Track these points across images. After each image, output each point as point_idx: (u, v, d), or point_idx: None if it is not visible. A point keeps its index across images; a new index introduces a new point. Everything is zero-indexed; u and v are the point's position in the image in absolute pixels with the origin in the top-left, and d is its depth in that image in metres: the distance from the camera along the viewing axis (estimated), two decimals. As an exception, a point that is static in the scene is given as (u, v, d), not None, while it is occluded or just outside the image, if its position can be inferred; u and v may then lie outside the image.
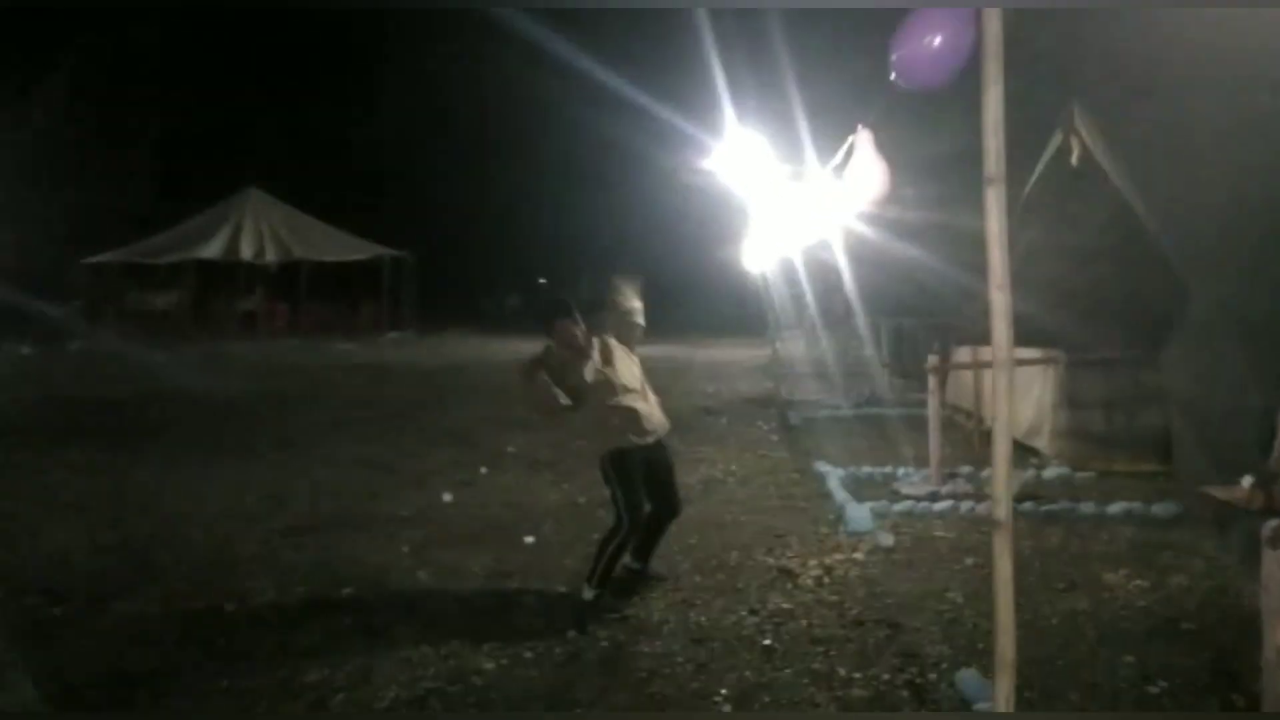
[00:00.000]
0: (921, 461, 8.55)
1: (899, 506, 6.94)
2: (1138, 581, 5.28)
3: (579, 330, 5.21)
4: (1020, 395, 8.79)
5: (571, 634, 4.68)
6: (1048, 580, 5.33)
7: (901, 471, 8.13)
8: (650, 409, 5.37)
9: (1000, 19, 2.34)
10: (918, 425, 10.68)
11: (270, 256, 27.68)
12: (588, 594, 5.02)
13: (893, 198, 4.66)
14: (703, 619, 4.88)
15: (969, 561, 5.71)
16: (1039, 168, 5.37)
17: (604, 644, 4.59)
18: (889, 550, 5.97)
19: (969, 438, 9.62)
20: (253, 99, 33.88)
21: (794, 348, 16.68)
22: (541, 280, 38.77)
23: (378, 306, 29.41)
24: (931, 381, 7.65)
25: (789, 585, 5.39)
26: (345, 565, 5.87)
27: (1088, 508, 6.81)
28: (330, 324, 28.29)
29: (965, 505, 6.91)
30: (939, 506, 6.91)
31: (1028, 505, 6.89)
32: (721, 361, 19.51)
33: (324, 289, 29.54)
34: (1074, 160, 5.04)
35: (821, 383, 14.41)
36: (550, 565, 5.80)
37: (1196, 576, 5.35)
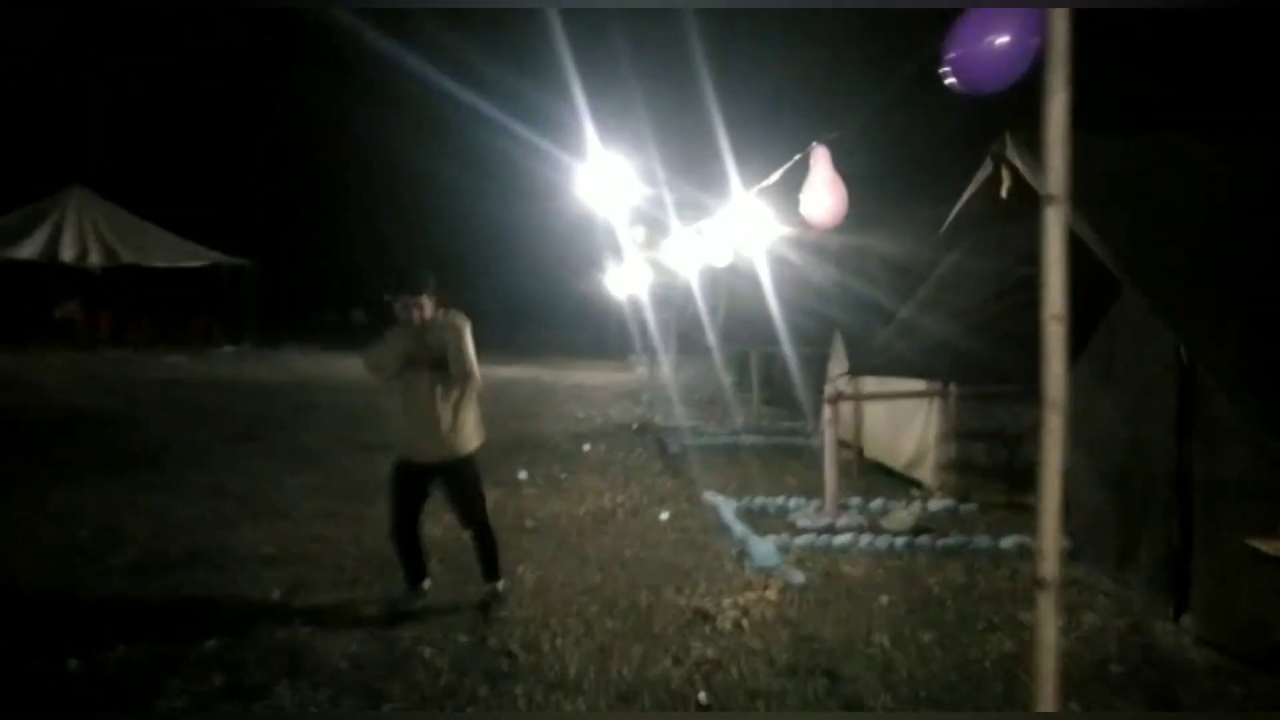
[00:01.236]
0: (809, 491, 8.47)
1: (799, 540, 6.76)
2: (1052, 620, 5.22)
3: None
4: (902, 427, 8.86)
5: (483, 690, 4.20)
6: (966, 620, 5.23)
7: (794, 503, 7.98)
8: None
9: (1068, 21, 2.12)
10: (793, 454, 10.69)
11: (94, 259, 25.41)
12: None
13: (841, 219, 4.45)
14: (624, 670, 4.49)
15: (884, 600, 5.55)
16: (965, 194, 5.29)
17: (520, 702, 4.12)
18: (801, 588, 5.75)
19: (848, 468, 9.61)
20: (80, 89, 31.25)
21: (662, 373, 16.53)
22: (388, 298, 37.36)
23: (212, 317, 27.49)
24: (828, 412, 7.54)
25: (707, 629, 5.07)
26: (205, 612, 5.16)
27: (982, 541, 6.83)
28: (159, 335, 26.24)
29: (864, 539, 6.80)
30: (839, 540, 6.78)
31: (924, 539, 6.85)
32: (588, 385, 19.13)
33: (153, 297, 27.38)
34: (1003, 193, 4.98)
35: (692, 410, 14.28)
36: (445, 608, 5.27)
37: (1105, 614, 5.36)
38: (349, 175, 34.86)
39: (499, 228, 31.75)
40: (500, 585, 5.40)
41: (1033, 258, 5.78)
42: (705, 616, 5.25)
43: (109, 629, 4.81)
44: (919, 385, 8.20)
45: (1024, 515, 7.67)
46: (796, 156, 4.61)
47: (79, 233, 25.53)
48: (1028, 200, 4.92)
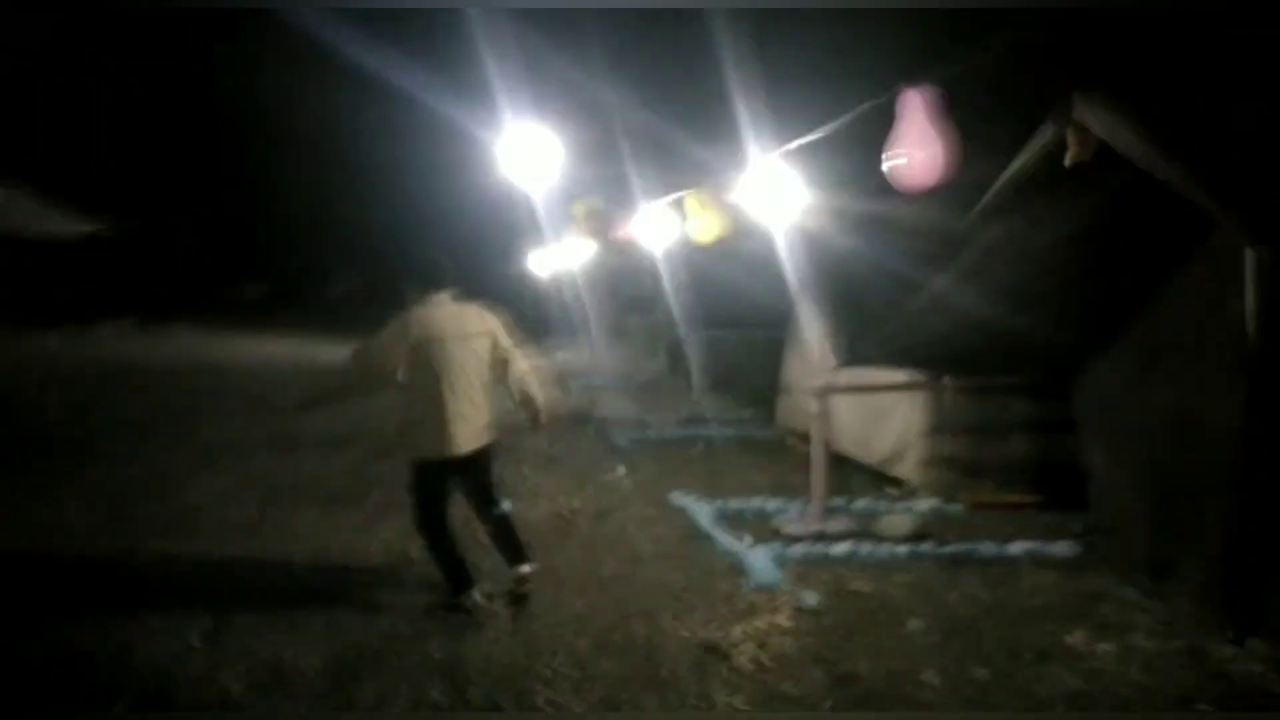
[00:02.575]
0: (781, 491, 7.81)
1: (794, 551, 6.05)
2: (1103, 645, 4.65)
3: None
4: (878, 421, 8.24)
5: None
6: (1012, 648, 4.60)
7: (772, 505, 7.27)
8: None
9: None
10: (752, 448, 10.00)
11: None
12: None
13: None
14: (644, 732, 3.69)
15: (913, 625, 4.88)
16: (1018, 160, 4.62)
17: (529, 786, 3.29)
18: (815, 612, 5.03)
19: (801, 462, 8.97)
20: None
21: (594, 358, 15.66)
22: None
23: (87, 292, 25.24)
24: (817, 404, 6.83)
25: (724, 669, 4.31)
26: (111, 666, 4.13)
27: (988, 548, 6.25)
28: (25, 313, 23.98)
29: (864, 548, 6.14)
30: (837, 550, 6.10)
31: (926, 546, 6.24)
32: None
33: (16, 269, 24.99)
34: (1068, 160, 4.31)
35: (630, 398, 13.49)
36: (407, 651, 4.37)
37: (1155, 635, 4.80)
38: (246, 134, 32.58)
39: (412, 201, 30.19)
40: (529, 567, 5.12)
41: (1088, 234, 5.22)
42: (717, 652, 4.48)
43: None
44: (901, 376, 7.58)
45: (1015, 515, 7.18)
46: (864, 106, 3.85)
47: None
48: (1095, 168, 4.29)
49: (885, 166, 3.69)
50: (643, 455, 9.55)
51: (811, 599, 5.16)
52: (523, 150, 10.46)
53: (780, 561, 5.83)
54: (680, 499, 7.48)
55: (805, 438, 9.91)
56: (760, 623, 4.86)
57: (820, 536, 6.44)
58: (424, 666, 4.23)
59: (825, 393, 6.83)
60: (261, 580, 5.36)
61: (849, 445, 8.76)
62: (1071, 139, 4.31)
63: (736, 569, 5.75)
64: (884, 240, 4.84)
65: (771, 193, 4.94)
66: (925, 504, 7.38)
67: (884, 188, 4.54)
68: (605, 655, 4.43)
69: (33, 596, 4.97)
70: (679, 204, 6.69)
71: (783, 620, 4.90)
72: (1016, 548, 6.24)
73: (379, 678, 4.12)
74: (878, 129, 4.47)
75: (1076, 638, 4.74)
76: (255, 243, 34.58)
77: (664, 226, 7.41)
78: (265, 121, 31.60)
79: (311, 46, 27.62)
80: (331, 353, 20.42)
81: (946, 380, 7.27)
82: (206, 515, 6.73)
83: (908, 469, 7.89)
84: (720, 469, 8.87)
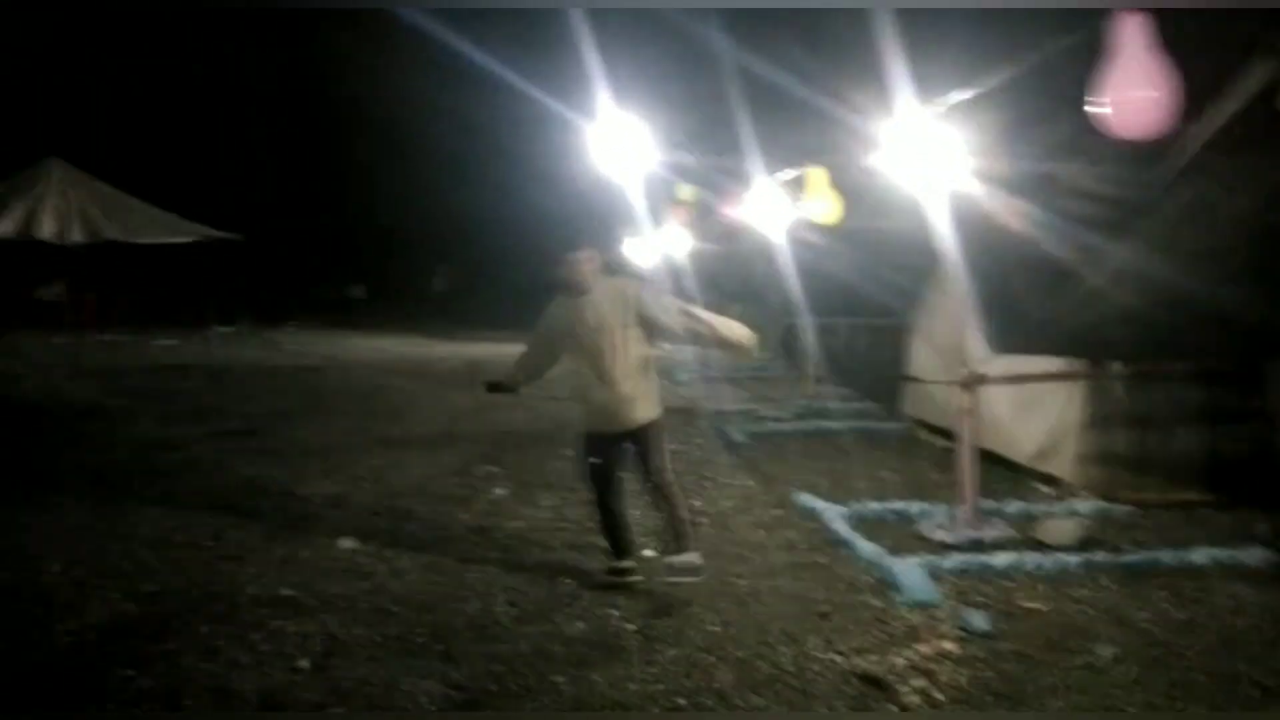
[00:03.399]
0: (916, 490, 7.16)
1: (949, 563, 5.41)
2: (1347, 680, 3.91)
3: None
4: (1027, 413, 7.48)
5: None
6: (1227, 684, 3.90)
7: (915, 508, 6.62)
8: None
9: None
10: (877, 442, 9.34)
11: (76, 237, 23.79)
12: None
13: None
14: (810, 790, 3.15)
15: (1104, 653, 4.21)
16: (1219, 110, 3.89)
17: None
18: (987, 636, 4.41)
19: (947, 460, 8.27)
20: (54, 56, 29.50)
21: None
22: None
23: (204, 296, 25.91)
24: (964, 399, 6.15)
25: (892, 707, 3.74)
26: (204, 695, 3.80)
27: (1167, 557, 5.51)
28: (149, 316, 24.75)
29: (1029, 559, 5.46)
30: (999, 561, 5.43)
31: (1101, 555, 5.53)
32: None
33: (141, 276, 25.81)
34: (1284, 103, 3.58)
35: (738, 390, 12.93)
36: (531, 681, 3.92)
37: None
38: (344, 144, 33.11)
39: (507, 195, 30.11)
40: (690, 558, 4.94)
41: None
42: (879, 685, 3.91)
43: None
44: (1056, 364, 6.83)
45: (1189, 516, 6.39)
46: (1060, 44, 3.23)
47: (58, 208, 23.89)
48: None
49: (1095, 111, 3.05)
50: (761, 450, 8.99)
51: (980, 620, 4.53)
52: (616, 138, 10.06)
53: (934, 575, 5.21)
54: (809, 500, 6.90)
55: (937, 431, 9.25)
56: (924, 649, 4.27)
57: (975, 545, 5.79)
58: (550, 701, 3.78)
59: (974, 384, 6.14)
60: (370, 593, 5.01)
61: (992, 440, 8.00)
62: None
63: (885, 583, 5.15)
64: (1053, 208, 4.16)
65: (923, 157, 4.32)
66: (1086, 505, 6.64)
67: (1058, 147, 3.89)
68: (750, 687, 3.90)
69: (129, 624, 4.71)
70: (797, 182, 6.11)
71: (949, 646, 4.30)
72: (1201, 555, 5.49)
73: (499, 711, 3.69)
74: (1051, 78, 3.82)
75: (1305, 670, 4.01)
76: (356, 245, 35.09)
77: (780, 208, 6.83)
78: (361, 122, 32.01)
79: (398, 40, 27.74)
80: (437, 346, 20.50)
81: (1115, 367, 6.50)
82: (315, 520, 6.45)
83: (1062, 466, 7.14)
84: (847, 465, 8.25)
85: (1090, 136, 3.78)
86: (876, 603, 4.90)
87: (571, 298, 5.01)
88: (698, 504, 7.02)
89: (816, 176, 5.79)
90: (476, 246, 32.35)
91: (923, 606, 4.80)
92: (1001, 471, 7.60)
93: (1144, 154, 3.67)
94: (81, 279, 24.67)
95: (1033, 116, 3.78)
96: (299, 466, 8.20)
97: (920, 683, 3.91)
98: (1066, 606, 4.82)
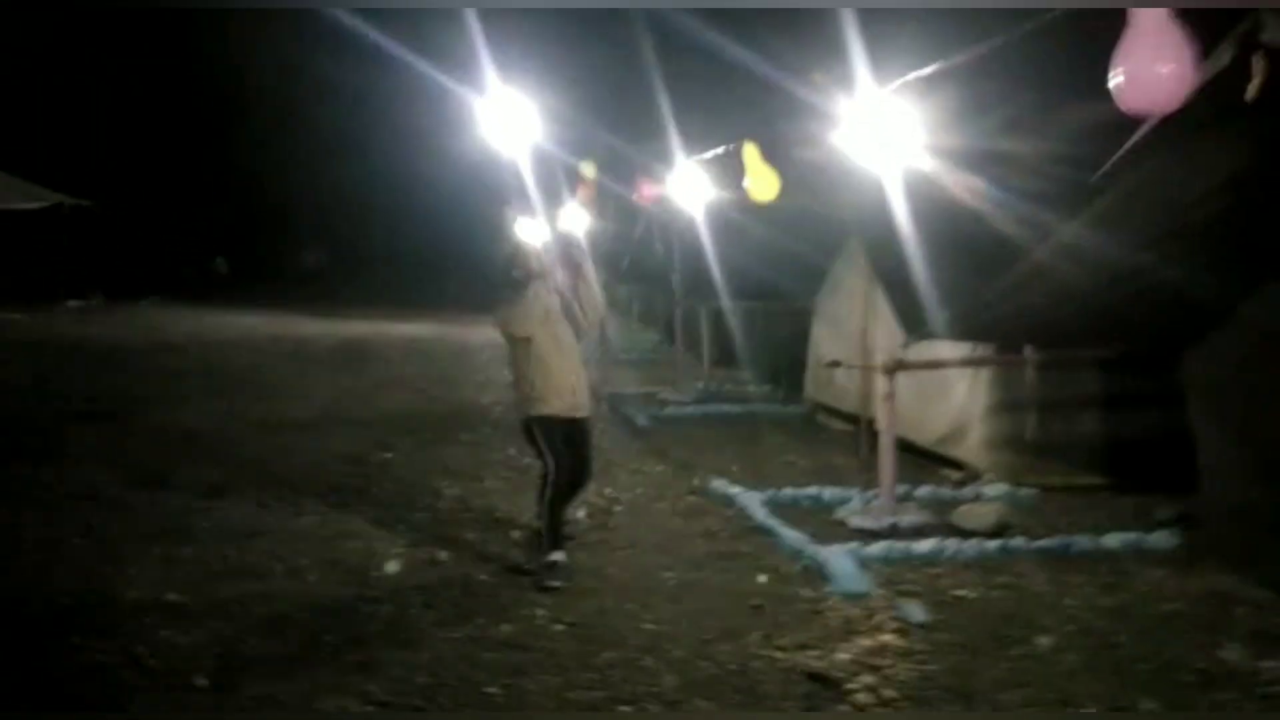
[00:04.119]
0: (825, 475, 7.12)
1: (872, 550, 5.33)
2: (1267, 663, 3.98)
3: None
4: (933, 398, 7.53)
5: None
6: (1169, 670, 3.92)
7: (828, 494, 6.55)
8: None
9: None
10: (779, 426, 9.29)
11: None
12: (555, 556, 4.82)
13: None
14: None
15: (1044, 642, 4.19)
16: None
17: None
18: (924, 626, 4.33)
19: (850, 444, 8.29)
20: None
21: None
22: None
23: (54, 268, 24.02)
24: (885, 383, 6.09)
25: (841, 706, 3.59)
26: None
27: (1082, 541, 5.59)
28: (-10, 289, 22.75)
29: (950, 545, 5.44)
30: (921, 548, 5.39)
31: (1018, 541, 5.57)
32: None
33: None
34: (1251, 91, 3.56)
35: (633, 373, 12.72)
36: (460, 692, 3.61)
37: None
38: (216, 114, 31.16)
39: (386, 171, 28.99)
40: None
41: (1245, 182, 4.50)
42: (826, 682, 3.77)
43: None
44: (969, 350, 6.88)
45: (1090, 500, 6.54)
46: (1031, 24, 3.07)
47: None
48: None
49: (1112, 84, 2.91)
50: (667, 434, 8.81)
51: (917, 612, 4.44)
52: (508, 113, 9.69)
53: (861, 562, 5.12)
54: (723, 486, 6.75)
55: (836, 414, 9.27)
56: (865, 642, 4.15)
57: (894, 531, 5.75)
58: (483, 711, 3.48)
59: (893, 370, 6.09)
60: (268, 594, 4.57)
61: (896, 425, 8.05)
62: (1257, 65, 3.56)
63: (814, 573, 5.04)
64: (1005, 185, 4.08)
65: (878, 132, 4.17)
66: (993, 490, 6.71)
67: (1013, 124, 3.79)
68: (696, 689, 3.69)
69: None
70: (727, 159, 5.92)
71: (889, 639, 4.20)
72: (1113, 540, 5.59)
73: (430, 727, 3.37)
74: (1011, 59, 3.72)
75: (1231, 652, 4.07)
76: (222, 218, 33.20)
77: (700, 187, 6.63)
78: (233, 92, 30.26)
79: (275, 11, 26.32)
80: (310, 324, 19.52)
81: (1028, 353, 6.57)
82: (190, 515, 5.90)
83: (968, 451, 7.21)
84: (755, 450, 8.16)
85: (1046, 114, 3.70)
86: (808, 593, 4.78)
87: (521, 288, 4.90)
88: (609, 491, 6.79)
89: (751, 152, 5.60)
90: (354, 223, 31.08)
91: (855, 597, 4.69)
92: (905, 457, 7.64)
93: (1101, 131, 3.59)
94: (-91, 246, 22.52)
95: (990, 96, 3.66)
96: (171, 453, 7.55)
97: (868, 679, 3.78)
98: (995, 594, 4.81)
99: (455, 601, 4.56)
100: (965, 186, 4.05)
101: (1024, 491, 6.67)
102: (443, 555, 5.26)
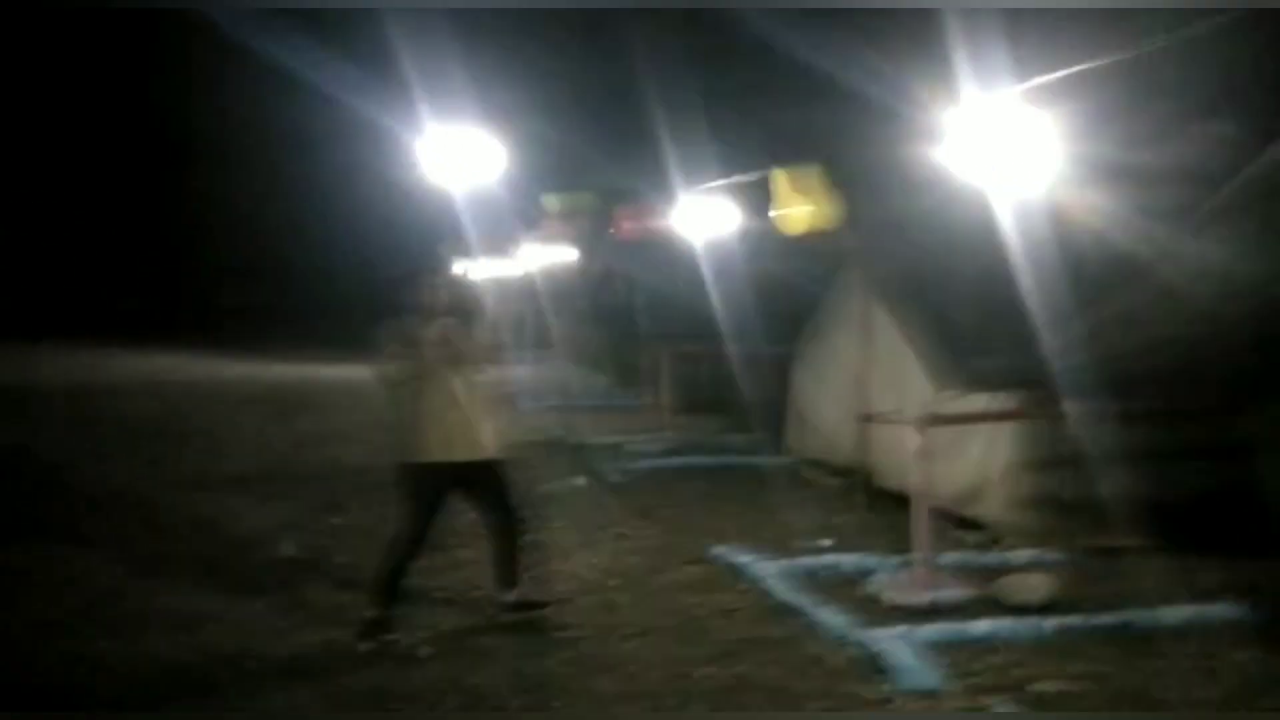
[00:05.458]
0: (833, 537, 6.52)
1: (924, 632, 4.66)
2: None
3: None
4: (945, 451, 6.94)
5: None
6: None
7: (847, 562, 5.87)
8: None
9: None
10: (766, 480, 8.56)
11: None
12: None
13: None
14: None
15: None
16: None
17: None
18: (1017, 733, 3.66)
19: (843, 499, 7.68)
20: None
21: (547, 373, 14.01)
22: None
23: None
24: (919, 440, 5.46)
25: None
26: None
27: (1141, 617, 5.00)
28: None
29: (1005, 625, 4.80)
30: (977, 629, 4.74)
31: (1074, 619, 4.95)
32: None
33: None
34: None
35: (593, 420, 11.95)
36: None
37: None
38: (133, 144, 29.50)
39: (317, 207, 27.74)
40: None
41: None
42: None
43: None
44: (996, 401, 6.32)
45: (1128, 565, 5.99)
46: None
47: None
48: None
49: None
50: (644, 490, 8.06)
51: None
52: (454, 149, 9.08)
53: (916, 650, 4.45)
54: (728, 554, 6.04)
55: (822, 467, 8.64)
56: (965, 760, 3.46)
57: (935, 608, 5.10)
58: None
59: (929, 424, 5.48)
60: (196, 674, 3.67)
61: (899, 479, 7.46)
62: None
63: (863, 661, 4.34)
64: (1134, 201, 3.52)
65: (1001, 145, 3.55)
66: (1018, 555, 6.13)
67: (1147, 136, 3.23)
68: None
69: None
70: (753, 187, 5.30)
71: (990, 753, 3.51)
72: (1171, 615, 5.02)
73: None
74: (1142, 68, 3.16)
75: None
76: (133, 251, 31.46)
77: (709, 216, 6.00)
78: (156, 122, 28.76)
79: (205, 38, 25.10)
80: (232, 367, 18.24)
81: (1067, 405, 6.02)
82: (119, 589, 4.94)
83: (988, 510, 6.63)
84: (744, 509, 7.47)
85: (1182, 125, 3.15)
86: (868, 692, 4.07)
87: (417, 321, 4.68)
88: (597, 561, 6.02)
89: (788, 178, 4.98)
90: (278, 259, 29.66)
91: (925, 694, 4.01)
92: (905, 514, 7.06)
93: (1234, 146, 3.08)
94: None
95: (1122, 105, 3.11)
96: (82, 522, 6.51)
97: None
98: (1079, 688, 4.17)
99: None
100: (1087, 204, 3.48)
101: (1052, 555, 6.11)
102: (423, 652, 4.41)
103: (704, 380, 12.07)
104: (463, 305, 4.89)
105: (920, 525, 5.38)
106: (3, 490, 7.31)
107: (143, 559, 5.68)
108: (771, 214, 5.16)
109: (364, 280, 25.64)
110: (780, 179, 5.02)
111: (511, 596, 4.78)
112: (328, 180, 26.46)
